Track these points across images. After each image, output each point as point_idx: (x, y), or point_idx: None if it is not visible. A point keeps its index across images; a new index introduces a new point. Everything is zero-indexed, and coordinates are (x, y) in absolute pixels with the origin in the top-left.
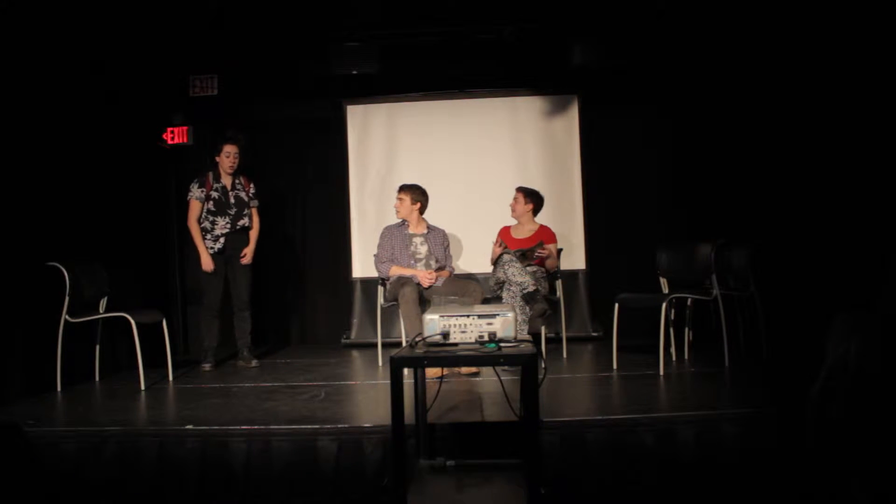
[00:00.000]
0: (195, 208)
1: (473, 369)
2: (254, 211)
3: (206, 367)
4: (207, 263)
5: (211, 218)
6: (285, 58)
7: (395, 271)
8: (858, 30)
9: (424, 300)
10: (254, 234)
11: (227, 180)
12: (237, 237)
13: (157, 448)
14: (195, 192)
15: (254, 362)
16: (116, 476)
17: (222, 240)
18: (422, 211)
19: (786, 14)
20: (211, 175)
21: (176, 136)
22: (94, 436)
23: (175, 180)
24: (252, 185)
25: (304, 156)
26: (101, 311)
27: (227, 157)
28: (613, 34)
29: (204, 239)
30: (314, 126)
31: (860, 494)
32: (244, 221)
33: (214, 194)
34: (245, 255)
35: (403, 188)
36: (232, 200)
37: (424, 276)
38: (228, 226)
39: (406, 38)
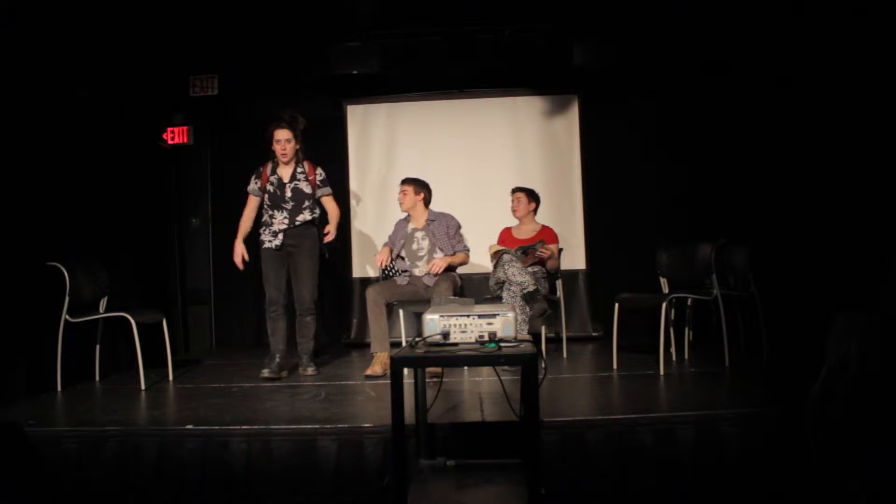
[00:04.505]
0: (249, 203)
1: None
2: (324, 200)
3: (265, 372)
4: (236, 256)
5: (270, 212)
6: (285, 57)
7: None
8: (858, 30)
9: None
10: (332, 219)
11: (284, 170)
12: (300, 233)
13: (157, 448)
14: (251, 185)
15: (310, 370)
16: (117, 476)
17: (281, 236)
18: (427, 202)
19: (786, 14)
20: (269, 166)
21: (176, 136)
22: (94, 436)
23: (175, 180)
24: (318, 172)
25: (304, 156)
26: (101, 311)
27: (278, 143)
28: (614, 34)
29: (263, 232)
30: (314, 126)
31: (860, 494)
32: (304, 216)
33: (270, 187)
34: (328, 231)
35: (406, 181)
36: (288, 194)
37: (377, 258)
38: (286, 221)
39: (406, 38)
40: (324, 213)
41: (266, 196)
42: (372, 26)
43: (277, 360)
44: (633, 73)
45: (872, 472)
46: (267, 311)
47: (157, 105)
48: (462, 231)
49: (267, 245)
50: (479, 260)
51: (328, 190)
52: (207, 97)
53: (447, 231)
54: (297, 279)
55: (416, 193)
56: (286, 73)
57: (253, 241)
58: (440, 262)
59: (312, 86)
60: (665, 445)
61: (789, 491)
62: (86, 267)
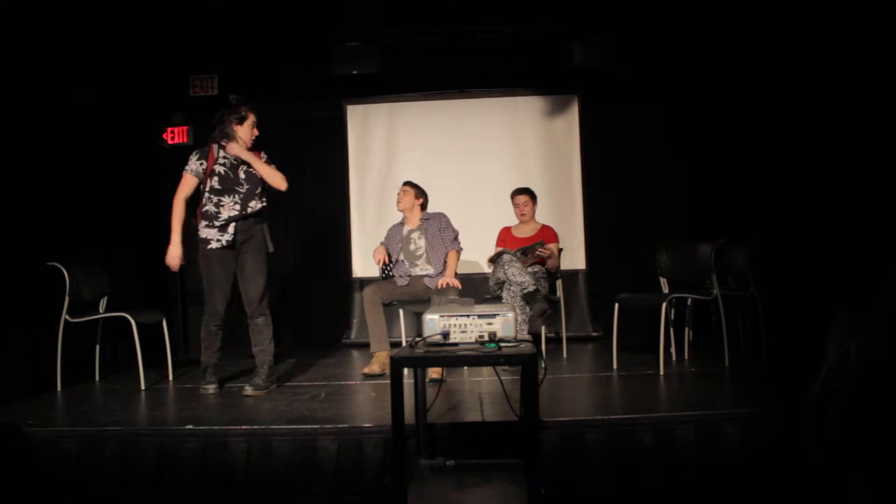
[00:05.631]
0: (185, 183)
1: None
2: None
3: (210, 388)
4: (173, 256)
5: (215, 199)
6: (285, 57)
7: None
8: (859, 30)
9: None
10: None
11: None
12: (249, 226)
13: (157, 448)
14: (192, 165)
15: (250, 390)
16: (116, 476)
17: (231, 228)
18: (423, 208)
19: (785, 15)
20: (216, 147)
21: (176, 136)
22: (94, 436)
23: (175, 181)
24: (263, 155)
25: (304, 156)
26: (101, 311)
27: (252, 127)
28: (613, 34)
29: (207, 228)
30: (314, 126)
31: (860, 494)
32: (255, 205)
33: (220, 168)
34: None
35: (408, 183)
36: (242, 176)
37: (376, 256)
38: (237, 207)
39: (406, 38)
40: (269, 204)
41: (213, 180)
42: (372, 26)
43: (212, 373)
44: (633, 73)
45: (872, 472)
46: (207, 323)
47: (157, 105)
48: (455, 230)
49: (214, 245)
50: (479, 259)
51: (272, 167)
52: (207, 97)
53: (440, 229)
54: (244, 278)
55: (416, 197)
56: (286, 73)
57: (188, 238)
58: (448, 277)
59: (312, 86)
60: (665, 445)
61: (789, 491)
62: (86, 267)
